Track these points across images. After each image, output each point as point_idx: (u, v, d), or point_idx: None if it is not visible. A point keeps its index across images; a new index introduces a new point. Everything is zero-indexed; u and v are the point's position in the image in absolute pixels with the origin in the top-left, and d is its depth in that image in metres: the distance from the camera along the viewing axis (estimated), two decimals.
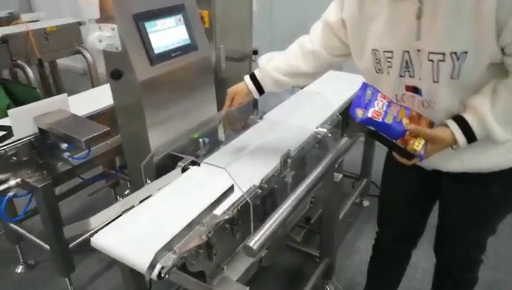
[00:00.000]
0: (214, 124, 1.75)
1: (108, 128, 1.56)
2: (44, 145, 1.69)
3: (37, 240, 1.91)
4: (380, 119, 1.12)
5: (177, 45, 1.51)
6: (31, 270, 2.19)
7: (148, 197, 1.34)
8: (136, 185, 1.60)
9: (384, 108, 1.13)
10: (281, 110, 1.97)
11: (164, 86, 1.48)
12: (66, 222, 2.34)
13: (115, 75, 1.39)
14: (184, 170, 1.49)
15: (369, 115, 1.11)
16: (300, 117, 1.85)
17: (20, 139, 1.64)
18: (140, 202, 1.28)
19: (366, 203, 2.69)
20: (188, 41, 1.56)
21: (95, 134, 1.53)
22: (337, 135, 1.86)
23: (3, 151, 1.61)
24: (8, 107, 1.99)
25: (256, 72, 1.43)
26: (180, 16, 1.52)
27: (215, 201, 1.21)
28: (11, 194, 1.60)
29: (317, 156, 1.75)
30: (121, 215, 1.26)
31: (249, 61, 2.59)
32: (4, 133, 1.67)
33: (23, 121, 1.62)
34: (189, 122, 1.64)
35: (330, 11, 1.27)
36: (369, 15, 1.12)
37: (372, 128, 1.15)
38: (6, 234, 2.08)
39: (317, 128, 1.76)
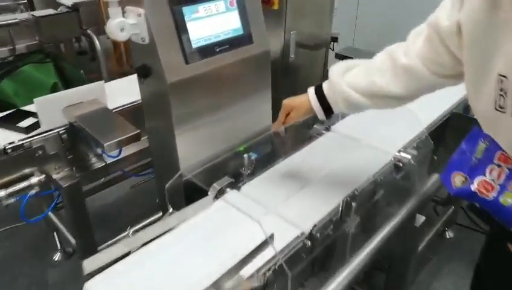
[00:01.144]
0: (266, 136, 1.41)
1: (138, 132, 1.30)
2: (74, 139, 1.48)
3: (68, 235, 1.76)
4: (490, 197, 0.70)
5: (225, 37, 1.17)
6: (69, 258, 2.08)
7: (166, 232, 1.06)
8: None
9: (502, 179, 0.71)
10: (353, 122, 1.56)
11: (202, 89, 1.16)
12: (102, 218, 2.22)
13: (142, 73, 1.10)
14: (219, 195, 1.19)
15: (474, 187, 0.71)
16: (376, 134, 1.44)
17: (47, 131, 1.45)
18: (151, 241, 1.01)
19: (449, 234, 2.20)
20: (241, 32, 1.21)
21: (120, 138, 1.27)
22: (424, 165, 1.43)
23: (28, 143, 1.43)
24: (55, 86, 1.83)
25: (325, 87, 1.03)
26: None
27: (245, 257, 0.90)
28: (33, 192, 1.42)
29: (395, 191, 1.35)
30: (126, 254, 1.01)
31: (325, 49, 2.17)
32: (34, 121, 1.48)
33: (51, 111, 1.42)
34: (233, 133, 1.32)
35: (441, 11, 0.84)
36: (504, 23, 0.69)
37: (476, 203, 0.73)
38: (45, 221, 1.98)
39: (398, 152, 1.35)
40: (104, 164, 1.59)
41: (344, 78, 0.99)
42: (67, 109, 1.44)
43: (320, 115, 1.05)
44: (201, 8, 1.11)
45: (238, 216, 1.08)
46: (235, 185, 1.23)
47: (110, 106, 1.54)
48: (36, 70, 1.81)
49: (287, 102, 1.10)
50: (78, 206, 1.52)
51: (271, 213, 1.09)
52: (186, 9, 1.07)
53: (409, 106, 1.20)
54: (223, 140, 1.29)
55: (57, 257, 2.07)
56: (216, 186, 1.21)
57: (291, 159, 1.35)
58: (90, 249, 1.65)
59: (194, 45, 1.10)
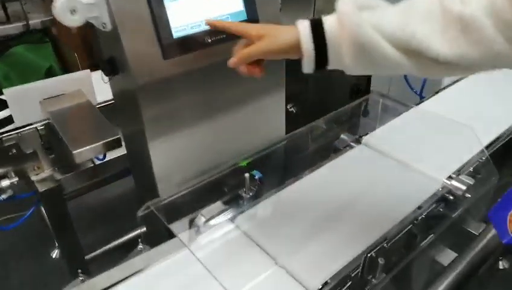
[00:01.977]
0: (276, 149, 1.12)
1: (117, 137, 1.04)
2: (54, 136, 1.26)
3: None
4: None
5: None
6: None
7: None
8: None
9: None
10: (391, 133, 1.24)
11: (187, 92, 0.88)
12: (96, 218, 2.01)
13: (106, 68, 0.84)
14: (202, 228, 0.93)
15: None
16: (420, 153, 1.11)
17: (22, 127, 1.23)
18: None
19: (504, 264, 1.84)
20: (243, 17, 0.91)
21: (94, 145, 1.03)
22: (484, 199, 1.09)
23: None
24: (50, 71, 1.62)
25: (328, 21, 0.65)
26: None
27: None
28: (4, 196, 1.22)
29: (442, 236, 1.02)
30: None
31: None
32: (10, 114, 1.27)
33: (26, 104, 1.20)
34: (232, 144, 1.03)
35: None
36: None
37: None
38: (38, 216, 1.80)
39: (448, 179, 1.02)
40: (92, 165, 1.37)
41: (364, 14, 0.62)
42: (45, 102, 1.21)
43: (308, 62, 0.67)
44: None
45: (224, 262, 0.82)
46: (230, 213, 0.97)
47: (99, 99, 1.30)
48: (31, 52, 1.61)
49: (256, 26, 0.77)
50: (58, 212, 1.32)
51: (270, 261, 0.82)
52: None
53: (464, 117, 0.86)
54: (217, 153, 1.01)
55: (54, 254, 1.91)
56: (203, 216, 0.95)
57: (307, 180, 1.05)
58: (75, 256, 1.46)
59: (176, 34, 0.81)
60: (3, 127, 1.24)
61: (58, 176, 1.31)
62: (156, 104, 0.84)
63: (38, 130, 1.25)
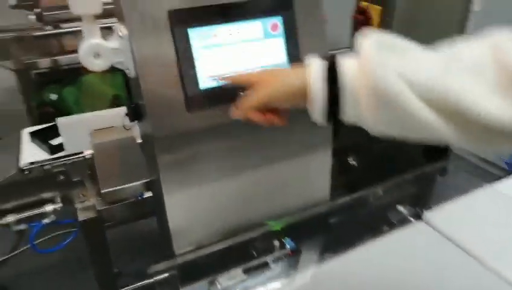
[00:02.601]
0: (316, 213, 0.98)
1: (147, 181, 0.99)
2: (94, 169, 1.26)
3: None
4: None
5: None
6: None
7: None
8: None
9: None
10: (462, 214, 1.02)
11: (212, 148, 0.80)
12: (124, 253, 1.95)
13: (130, 114, 0.79)
14: None
15: None
16: (497, 248, 0.89)
17: (72, 155, 1.25)
18: None
19: None
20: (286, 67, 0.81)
21: (123, 186, 0.99)
22: None
23: (48, 165, 1.25)
24: (116, 99, 1.67)
25: (347, 64, 0.54)
26: (278, 20, 0.79)
27: None
28: (46, 221, 1.24)
29: None
30: None
31: None
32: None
33: (76, 133, 1.22)
34: (262, 203, 0.92)
35: None
36: None
37: None
38: None
39: None
40: (134, 200, 1.34)
41: (389, 57, 0.49)
42: (93, 133, 1.22)
43: (318, 109, 0.55)
44: (220, 30, 0.74)
45: None
46: (250, 284, 0.85)
47: None
48: (101, 80, 1.68)
49: (259, 72, 0.68)
50: (96, 241, 1.30)
51: None
52: (195, 32, 0.72)
53: None
54: (244, 212, 0.90)
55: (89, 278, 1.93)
56: (219, 284, 0.84)
57: (350, 258, 0.90)
58: (108, 286, 1.43)
59: (203, 85, 0.74)
60: (56, 152, 1.27)
61: (101, 206, 1.31)
62: (174, 155, 0.77)
63: (86, 159, 1.26)
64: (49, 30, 2.29)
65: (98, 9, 0.68)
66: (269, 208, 0.92)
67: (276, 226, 0.94)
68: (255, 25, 0.76)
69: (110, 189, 0.98)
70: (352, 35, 1.34)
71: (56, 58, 2.44)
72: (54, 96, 1.70)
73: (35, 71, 2.21)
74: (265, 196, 0.91)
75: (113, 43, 0.71)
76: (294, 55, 0.80)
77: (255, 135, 0.84)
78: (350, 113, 0.54)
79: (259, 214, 0.92)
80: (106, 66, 0.72)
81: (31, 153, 1.29)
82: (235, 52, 0.75)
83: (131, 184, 0.99)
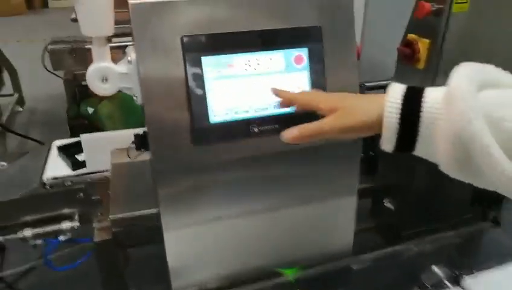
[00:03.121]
0: (337, 267, 0.87)
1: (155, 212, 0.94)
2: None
3: None
4: None
5: (276, 112, 0.71)
6: None
7: None
8: None
9: None
10: (509, 284, 0.88)
11: (216, 183, 0.73)
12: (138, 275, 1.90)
13: (138, 142, 0.75)
14: None
15: None
16: None
17: (92, 172, 1.23)
18: None
19: None
20: None
21: (131, 214, 0.94)
22: None
23: (69, 181, 1.23)
24: None
25: (432, 94, 0.45)
26: (303, 51, 0.71)
27: None
28: (62, 238, 1.22)
29: None
30: None
31: None
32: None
33: (97, 150, 1.19)
34: (272, 252, 0.83)
35: None
36: None
37: None
38: None
39: None
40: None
41: (484, 99, 0.41)
42: (114, 152, 1.19)
43: (390, 139, 0.47)
44: (237, 60, 0.67)
45: None
46: None
47: None
48: None
49: (329, 96, 0.57)
50: (110, 263, 1.27)
51: None
52: (209, 61, 0.66)
53: None
54: (252, 257, 0.82)
55: None
56: None
57: None
58: None
59: (214, 119, 0.68)
60: (79, 169, 1.25)
61: (117, 228, 1.27)
62: (177, 189, 0.71)
63: (107, 177, 1.24)
64: None
65: (109, 31, 0.64)
66: (281, 255, 0.83)
67: (289, 272, 0.85)
68: (277, 56, 0.69)
69: (118, 215, 0.93)
70: (397, 68, 1.23)
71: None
72: (90, 110, 1.72)
73: (83, 83, 2.28)
74: (277, 240, 0.82)
75: (122, 67, 0.66)
76: (319, 86, 0.72)
77: (268, 172, 0.76)
78: (422, 152, 0.47)
79: (269, 261, 0.83)
80: (113, 90, 0.67)
81: (55, 167, 1.28)
82: (252, 86, 0.68)
83: (140, 212, 0.94)
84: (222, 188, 0.74)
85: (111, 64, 0.66)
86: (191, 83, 0.65)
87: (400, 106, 0.46)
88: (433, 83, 1.13)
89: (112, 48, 0.67)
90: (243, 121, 0.69)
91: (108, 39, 0.66)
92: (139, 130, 1.24)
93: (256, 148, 0.71)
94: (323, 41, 0.71)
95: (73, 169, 1.24)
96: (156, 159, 0.67)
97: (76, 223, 1.24)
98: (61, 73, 2.44)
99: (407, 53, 1.13)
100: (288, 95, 0.61)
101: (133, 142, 0.76)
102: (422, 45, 1.10)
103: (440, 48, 1.08)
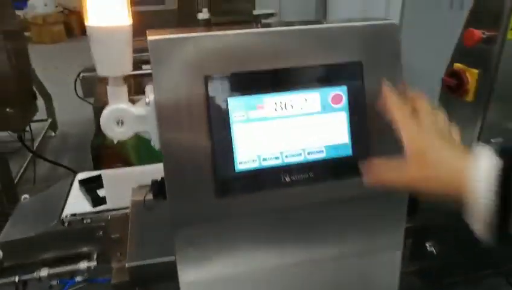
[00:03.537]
0: None
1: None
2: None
3: None
4: None
5: (311, 158, 0.62)
6: None
7: None
8: None
9: None
10: None
11: (239, 236, 0.63)
12: None
13: (155, 190, 0.67)
14: None
15: None
16: None
17: (113, 210, 1.17)
18: None
19: None
20: (347, 152, 0.64)
21: (150, 261, 0.86)
22: None
23: (88, 218, 1.18)
24: None
25: None
26: (341, 90, 0.63)
27: None
28: (78, 279, 1.15)
29: None
30: None
31: None
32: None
33: (120, 187, 1.13)
34: None
35: None
36: None
37: None
38: None
39: None
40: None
41: None
42: (136, 189, 1.12)
43: (480, 221, 0.42)
44: (268, 101, 0.60)
45: None
46: None
47: None
48: None
49: (418, 139, 0.50)
50: None
51: None
52: (236, 102, 0.58)
53: None
54: None
55: None
56: None
57: None
58: None
59: (241, 167, 0.59)
60: (99, 205, 1.19)
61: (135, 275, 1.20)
62: (196, 243, 0.62)
63: (127, 215, 1.17)
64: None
65: (127, 70, 0.58)
66: None
67: None
68: (312, 96, 0.60)
69: (135, 263, 0.86)
70: (441, 99, 1.13)
71: (131, 97, 2.51)
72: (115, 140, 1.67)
73: None
74: None
75: (139, 109, 0.59)
76: (360, 134, 0.63)
77: (301, 224, 0.67)
78: None
79: None
80: (129, 135, 0.60)
81: (75, 202, 1.23)
82: (283, 129, 0.60)
83: (159, 259, 0.86)
84: (247, 241, 0.65)
85: (128, 106, 0.59)
86: (215, 127, 0.58)
87: (496, 188, 0.40)
88: (484, 118, 1.02)
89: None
90: (273, 169, 0.60)
91: (127, 77, 0.60)
92: (159, 168, 1.18)
93: (288, 199, 0.62)
94: (364, 78, 0.62)
95: (94, 206, 1.19)
96: (174, 212, 0.59)
97: (93, 263, 1.17)
98: (92, 100, 2.46)
99: (453, 84, 1.03)
100: (389, 102, 0.53)
101: (150, 189, 0.68)
102: (471, 75, 0.99)
103: (492, 79, 0.97)
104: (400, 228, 0.71)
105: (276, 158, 0.60)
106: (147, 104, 0.58)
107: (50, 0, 6.00)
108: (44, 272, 1.13)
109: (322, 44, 0.61)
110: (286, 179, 0.60)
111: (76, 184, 1.33)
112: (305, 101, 0.60)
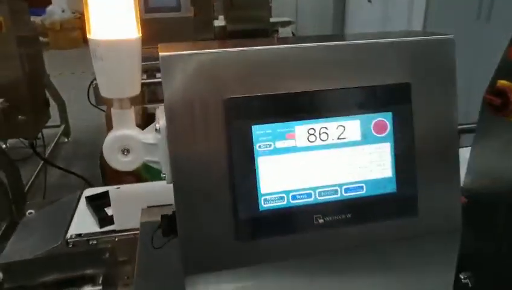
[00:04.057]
0: None
1: None
2: None
3: None
4: None
5: (348, 195, 0.53)
6: None
7: None
8: None
9: None
10: None
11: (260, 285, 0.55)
12: None
13: (166, 228, 0.58)
14: None
15: None
16: None
17: (120, 231, 1.08)
18: None
19: None
20: (391, 188, 0.54)
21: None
22: None
23: (94, 240, 1.09)
24: None
25: None
26: (386, 117, 0.53)
27: None
28: None
29: None
30: None
31: None
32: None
33: (127, 207, 1.05)
34: None
35: None
36: None
37: None
38: None
39: None
40: None
41: None
42: (145, 210, 1.04)
43: None
44: (298, 130, 0.50)
45: None
46: None
47: None
48: None
49: None
50: None
51: None
52: (261, 130, 0.49)
53: None
54: None
55: None
56: None
57: None
58: None
59: (264, 205, 0.50)
60: (106, 225, 1.11)
61: None
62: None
63: (136, 237, 1.08)
64: (144, 79, 2.30)
65: (134, 92, 0.49)
66: None
67: None
68: (351, 123, 0.51)
69: None
70: (482, 118, 1.02)
71: (145, 106, 2.43)
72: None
73: None
74: None
75: (148, 136, 0.50)
76: (406, 168, 0.53)
77: (336, 271, 0.57)
78: None
79: None
80: (135, 165, 0.51)
81: (81, 221, 1.15)
82: (316, 162, 0.50)
83: None
84: None
85: (135, 133, 0.50)
86: (237, 159, 0.48)
87: None
88: None
89: None
90: (304, 208, 0.50)
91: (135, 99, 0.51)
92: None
93: (321, 243, 0.52)
94: (412, 103, 0.52)
95: (101, 226, 1.10)
96: (186, 256, 0.50)
97: (99, 287, 1.09)
98: (105, 107, 2.40)
99: (497, 103, 0.92)
100: None
101: (159, 226, 0.59)
102: None
103: None
104: (450, 270, 0.61)
105: (308, 196, 0.51)
106: (157, 130, 0.49)
107: (67, 7, 6.02)
108: None
109: (364, 62, 0.51)
110: (319, 220, 0.51)
111: (83, 200, 1.25)
112: (343, 130, 0.51)
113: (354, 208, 0.51)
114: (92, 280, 1.11)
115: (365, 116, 0.51)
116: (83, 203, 1.25)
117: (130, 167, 0.51)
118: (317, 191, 0.51)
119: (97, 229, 1.13)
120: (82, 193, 1.32)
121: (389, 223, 0.53)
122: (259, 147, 0.49)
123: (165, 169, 0.50)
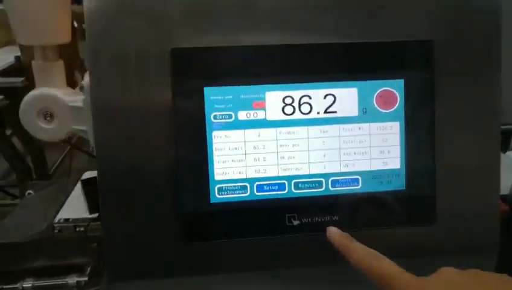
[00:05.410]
0: None
1: None
2: None
3: None
4: None
5: (337, 188, 0.38)
6: None
7: None
8: None
9: None
10: None
11: None
12: None
13: (91, 202, 0.45)
14: None
15: None
16: None
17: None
18: None
19: None
20: (399, 181, 0.39)
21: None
22: None
23: (82, 227, 0.99)
24: None
25: None
26: (395, 86, 0.38)
27: None
28: None
29: None
30: None
31: None
32: None
33: None
34: None
35: None
36: None
37: None
38: None
39: None
40: None
41: None
42: None
43: None
44: (271, 97, 0.36)
45: None
46: None
47: None
48: None
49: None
50: None
51: None
52: (217, 94, 0.36)
53: None
54: None
55: None
56: None
57: None
58: None
59: (218, 196, 0.37)
60: (96, 212, 1.01)
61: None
62: None
63: None
64: None
65: (62, 38, 0.37)
66: None
67: None
68: (346, 92, 0.36)
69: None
70: None
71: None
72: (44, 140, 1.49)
73: None
74: None
75: (77, 97, 0.38)
76: (421, 159, 0.38)
77: None
78: None
79: None
80: (62, 135, 0.39)
81: (73, 206, 1.05)
82: (295, 142, 0.36)
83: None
84: None
85: (59, 93, 0.38)
86: (182, 133, 0.35)
87: None
88: None
89: None
90: (273, 203, 0.36)
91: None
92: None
93: (295, 252, 0.38)
94: (434, 69, 0.37)
95: (91, 212, 1.00)
96: (112, 260, 0.37)
97: (84, 278, 1.00)
98: None
99: None
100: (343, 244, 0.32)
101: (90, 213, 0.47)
102: None
103: None
104: None
105: (280, 187, 0.36)
106: (81, 89, 0.36)
107: None
108: (28, 284, 0.97)
109: (367, 7, 0.36)
110: (294, 221, 0.37)
111: (79, 184, 1.17)
112: (333, 100, 0.36)
113: (343, 208, 0.37)
114: (77, 271, 1.02)
115: (366, 83, 0.36)
116: (78, 189, 1.17)
117: (56, 137, 0.39)
118: (292, 182, 0.36)
119: (87, 215, 1.04)
120: (82, 176, 1.23)
121: (393, 231, 0.38)
122: (214, 117, 0.35)
123: (92, 141, 0.38)
